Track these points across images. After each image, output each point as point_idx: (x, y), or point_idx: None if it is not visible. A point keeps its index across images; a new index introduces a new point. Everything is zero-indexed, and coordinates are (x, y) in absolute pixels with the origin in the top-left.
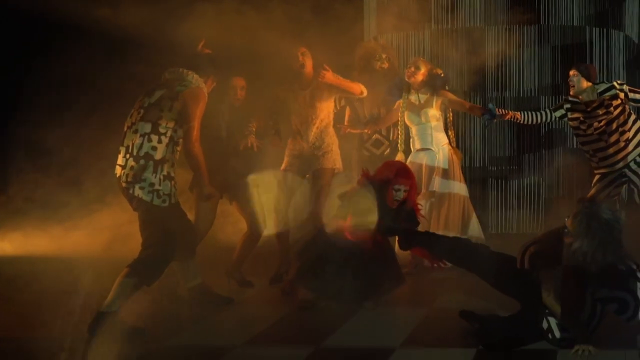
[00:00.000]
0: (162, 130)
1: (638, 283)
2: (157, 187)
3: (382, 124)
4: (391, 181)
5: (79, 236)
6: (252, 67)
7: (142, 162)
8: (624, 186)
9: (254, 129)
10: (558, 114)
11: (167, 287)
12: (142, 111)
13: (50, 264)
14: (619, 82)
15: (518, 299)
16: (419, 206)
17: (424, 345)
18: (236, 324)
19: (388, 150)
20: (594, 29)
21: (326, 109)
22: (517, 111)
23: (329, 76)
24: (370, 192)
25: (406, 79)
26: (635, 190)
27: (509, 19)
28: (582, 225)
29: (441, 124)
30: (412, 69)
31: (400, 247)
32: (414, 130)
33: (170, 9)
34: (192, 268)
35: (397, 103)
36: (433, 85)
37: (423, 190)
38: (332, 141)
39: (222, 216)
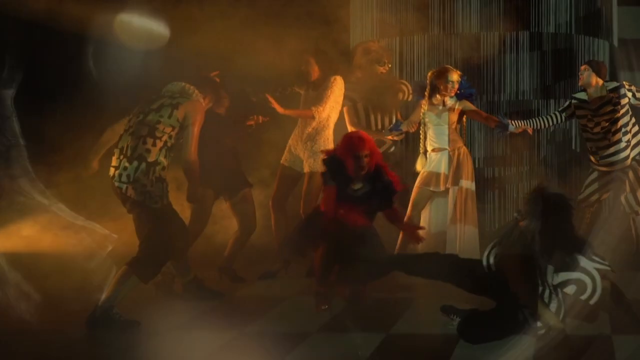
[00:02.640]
0: (158, 134)
1: (592, 263)
2: (149, 188)
3: (411, 126)
4: (349, 152)
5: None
6: (234, 68)
7: (135, 163)
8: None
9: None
10: (566, 114)
11: (163, 283)
12: (141, 116)
13: (49, 260)
14: (627, 83)
15: (492, 299)
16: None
17: None
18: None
19: (392, 149)
20: (580, 36)
21: (326, 113)
22: (523, 119)
23: (277, 108)
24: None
25: (444, 92)
26: (624, 189)
27: (500, 25)
28: (536, 206)
29: (457, 129)
30: (457, 86)
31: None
32: (431, 130)
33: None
34: (184, 264)
35: (419, 102)
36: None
37: (442, 188)
38: (326, 145)
39: (221, 215)
